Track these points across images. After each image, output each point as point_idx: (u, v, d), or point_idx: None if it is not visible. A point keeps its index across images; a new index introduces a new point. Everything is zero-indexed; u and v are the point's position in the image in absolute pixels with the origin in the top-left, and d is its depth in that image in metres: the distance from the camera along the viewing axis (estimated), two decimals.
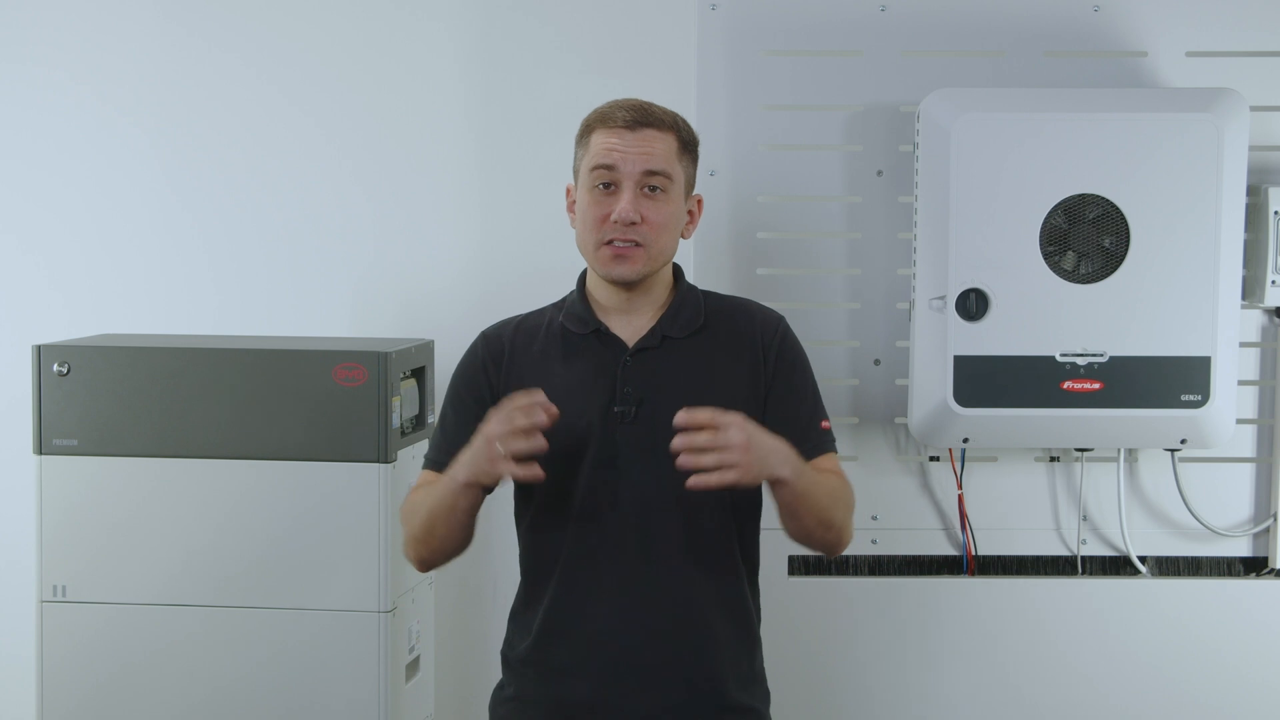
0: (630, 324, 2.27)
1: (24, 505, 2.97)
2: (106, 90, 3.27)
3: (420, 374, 3.01)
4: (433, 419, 3.05)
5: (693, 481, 2.04)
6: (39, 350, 2.86)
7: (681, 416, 2.05)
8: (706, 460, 2.03)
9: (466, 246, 3.26)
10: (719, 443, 2.03)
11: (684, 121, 2.26)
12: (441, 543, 2.24)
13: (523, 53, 3.21)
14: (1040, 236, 2.80)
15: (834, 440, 2.31)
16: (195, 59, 3.25)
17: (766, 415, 2.25)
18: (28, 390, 2.88)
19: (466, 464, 2.13)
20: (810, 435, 2.27)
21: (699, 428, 2.04)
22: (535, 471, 2.08)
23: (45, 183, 3.30)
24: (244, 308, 3.28)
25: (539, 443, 2.07)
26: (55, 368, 2.85)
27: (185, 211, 3.29)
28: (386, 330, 3.26)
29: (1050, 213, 2.80)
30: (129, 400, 2.84)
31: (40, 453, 2.86)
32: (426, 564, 2.30)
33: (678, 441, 2.04)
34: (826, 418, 2.31)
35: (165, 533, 2.85)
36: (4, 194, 3.32)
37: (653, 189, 2.20)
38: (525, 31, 3.21)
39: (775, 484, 2.12)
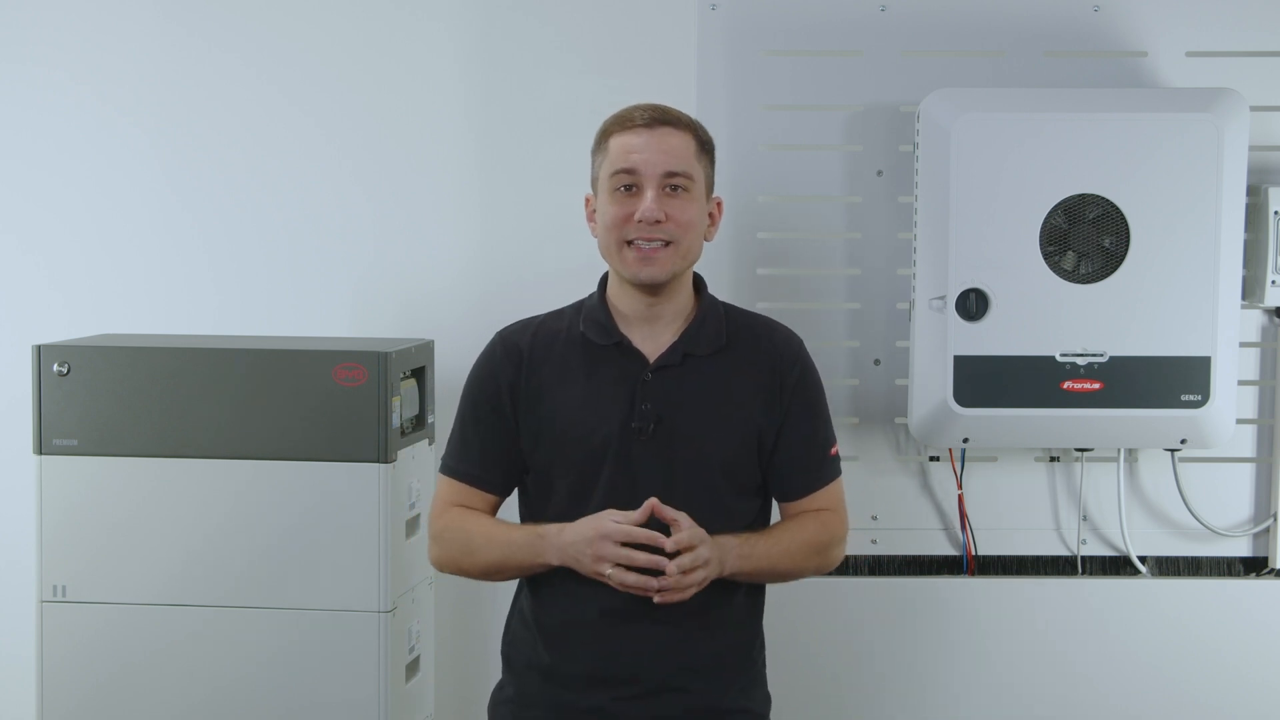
0: (652, 336, 2.26)
1: (24, 505, 2.96)
2: (106, 90, 3.27)
3: (420, 374, 3.01)
4: (433, 419, 3.05)
5: (662, 599, 2.12)
6: (39, 350, 2.86)
7: (670, 544, 2.11)
8: (671, 582, 2.10)
9: (466, 246, 3.26)
10: (696, 561, 2.11)
11: (700, 124, 2.27)
12: (497, 580, 2.31)
13: (523, 53, 3.21)
14: (1040, 236, 2.80)
15: (839, 465, 2.33)
16: (195, 59, 3.25)
17: (778, 442, 2.26)
18: (28, 390, 2.88)
19: (562, 554, 2.17)
20: (818, 466, 2.29)
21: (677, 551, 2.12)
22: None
23: (45, 183, 3.30)
24: (244, 308, 3.28)
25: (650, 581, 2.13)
26: (55, 368, 2.85)
27: (185, 211, 3.28)
28: (386, 330, 3.25)
29: (1050, 213, 2.80)
30: (129, 400, 2.84)
31: (40, 453, 2.86)
32: (463, 576, 2.35)
33: (671, 567, 2.09)
34: (835, 442, 2.33)
35: (165, 533, 2.85)
36: (4, 194, 3.31)
37: (674, 188, 2.19)
38: (525, 31, 3.21)
39: (725, 575, 2.19)
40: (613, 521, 2.13)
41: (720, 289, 2.88)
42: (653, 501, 2.14)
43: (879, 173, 3.02)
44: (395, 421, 2.83)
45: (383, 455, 2.80)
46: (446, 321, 3.18)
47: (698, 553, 2.11)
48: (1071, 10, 2.99)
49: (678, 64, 3.09)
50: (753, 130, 3.02)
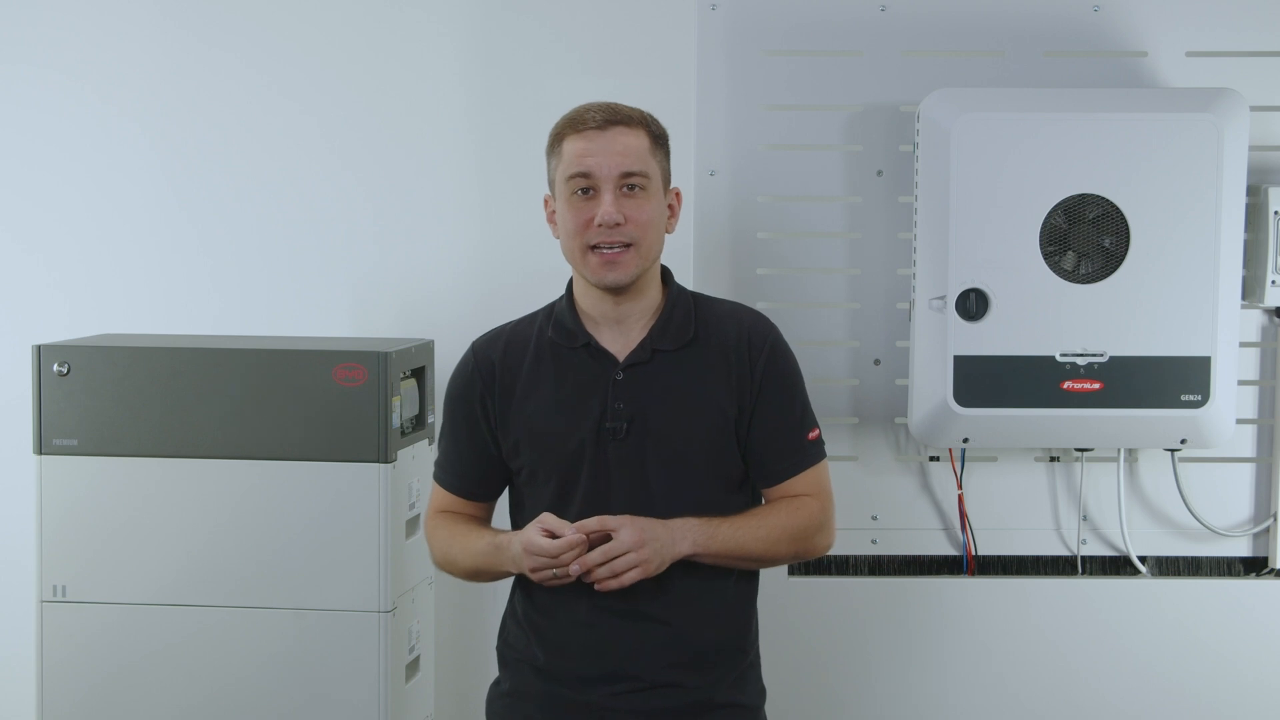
0: (621, 335, 2.26)
1: (24, 505, 2.97)
2: (106, 90, 3.27)
3: (420, 374, 3.01)
4: (433, 419, 3.06)
5: (600, 587, 2.14)
6: (39, 350, 2.86)
7: (576, 532, 2.14)
8: (601, 573, 2.13)
9: (466, 247, 3.26)
10: (613, 550, 2.12)
11: (651, 117, 2.26)
12: (485, 581, 2.35)
13: (522, 53, 3.21)
14: (1040, 236, 2.80)
15: (822, 448, 2.32)
16: (195, 59, 3.26)
17: (752, 426, 2.26)
18: (28, 390, 2.88)
19: (515, 566, 2.20)
20: (795, 452, 2.28)
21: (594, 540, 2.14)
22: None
23: (45, 183, 3.30)
24: (244, 308, 3.28)
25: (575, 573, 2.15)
26: (55, 368, 2.85)
27: (185, 211, 3.29)
28: (386, 330, 3.25)
29: (1050, 213, 2.80)
30: (129, 400, 2.84)
31: (40, 453, 2.86)
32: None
33: (574, 569, 2.13)
34: (815, 426, 2.32)
35: (165, 533, 2.85)
36: (4, 194, 3.32)
37: (631, 188, 2.20)
38: (525, 31, 3.21)
39: (688, 557, 2.19)
40: (540, 535, 2.15)
41: (720, 289, 2.89)
42: (581, 524, 2.16)
43: (879, 173, 3.01)
44: (395, 421, 2.83)
45: (383, 455, 2.80)
46: (446, 321, 3.18)
47: (618, 540, 2.12)
48: (1071, 10, 2.98)
49: (678, 64, 3.09)
50: (753, 130, 3.01)
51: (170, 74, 3.26)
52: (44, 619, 2.88)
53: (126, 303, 3.28)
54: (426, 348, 3.04)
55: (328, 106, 3.25)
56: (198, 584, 2.85)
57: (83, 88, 3.28)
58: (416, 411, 3.00)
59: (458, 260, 3.25)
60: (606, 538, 2.14)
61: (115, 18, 3.26)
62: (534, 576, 2.17)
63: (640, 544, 2.13)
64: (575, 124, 2.22)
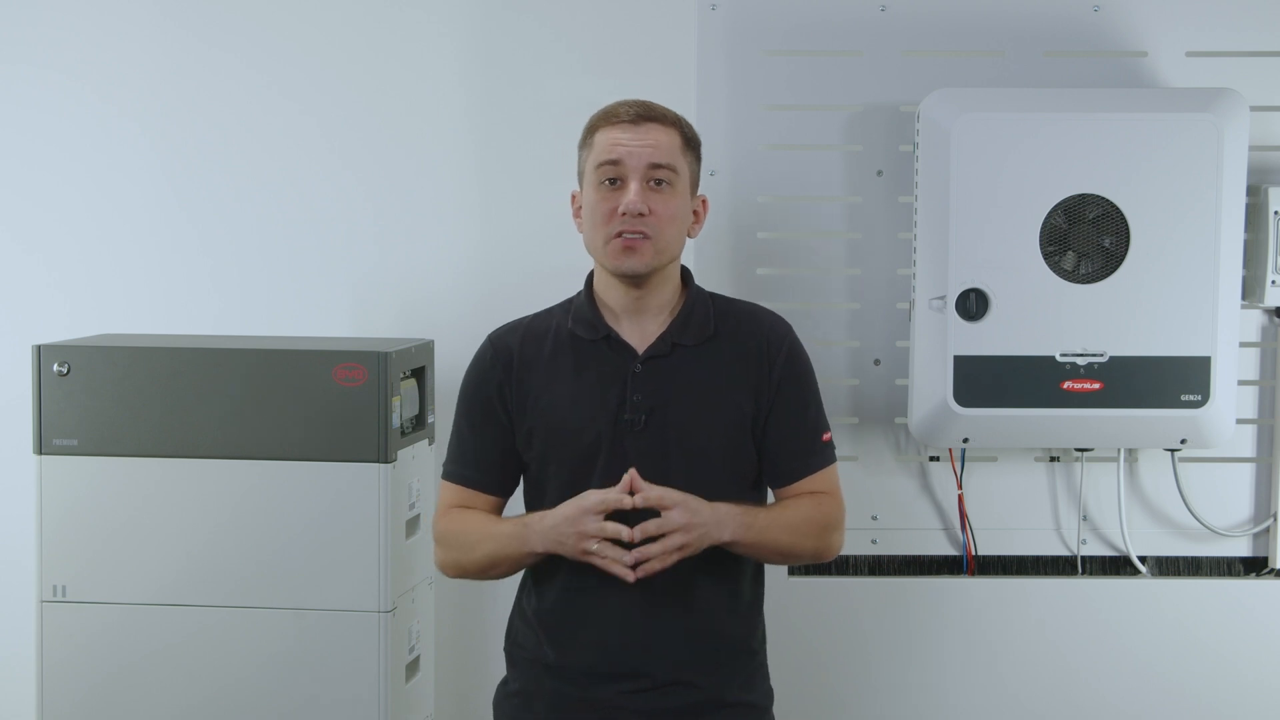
0: (640, 329, 2.27)
1: (24, 505, 2.96)
2: (106, 90, 3.27)
3: (420, 374, 3.01)
4: (433, 419, 3.06)
5: (641, 570, 2.11)
6: (39, 350, 2.86)
7: (638, 499, 2.12)
8: (652, 549, 2.10)
9: (466, 246, 3.26)
10: (665, 526, 2.10)
11: (685, 120, 2.29)
12: (497, 576, 2.31)
13: (522, 53, 3.21)
14: (1040, 236, 2.80)
15: (833, 451, 2.34)
16: (195, 59, 3.25)
17: (769, 425, 2.27)
18: (28, 390, 2.88)
19: (547, 539, 2.17)
20: (809, 452, 2.30)
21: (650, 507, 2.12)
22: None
23: (45, 183, 3.30)
24: (244, 308, 3.28)
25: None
26: (55, 368, 2.85)
27: (185, 211, 3.28)
28: (386, 330, 3.25)
29: (1050, 213, 2.80)
30: (129, 400, 2.84)
31: (40, 453, 2.86)
32: (467, 577, 2.35)
33: (634, 533, 2.10)
34: (828, 429, 2.33)
35: (165, 533, 2.85)
36: (4, 194, 3.31)
37: (658, 182, 2.21)
38: (525, 31, 3.21)
39: (725, 544, 2.18)
40: (594, 495, 2.14)
41: (720, 289, 2.89)
42: (631, 472, 2.14)
43: (879, 173, 3.02)
44: (395, 421, 2.83)
45: (383, 455, 2.80)
46: (446, 321, 3.18)
47: (669, 517, 2.11)
48: (1071, 10, 2.99)
49: (678, 64, 3.09)
50: (753, 130, 3.02)
51: (170, 74, 3.26)
52: (44, 619, 2.88)
53: (126, 303, 3.28)
54: (426, 348, 3.04)
55: (328, 106, 3.25)
56: (198, 584, 2.85)
57: (83, 88, 3.28)
58: (416, 411, 3.00)
59: (458, 260, 3.25)
60: (651, 513, 2.12)
61: (115, 18, 3.26)
62: (577, 545, 2.13)
63: (689, 527, 2.12)
64: (609, 116, 2.24)
